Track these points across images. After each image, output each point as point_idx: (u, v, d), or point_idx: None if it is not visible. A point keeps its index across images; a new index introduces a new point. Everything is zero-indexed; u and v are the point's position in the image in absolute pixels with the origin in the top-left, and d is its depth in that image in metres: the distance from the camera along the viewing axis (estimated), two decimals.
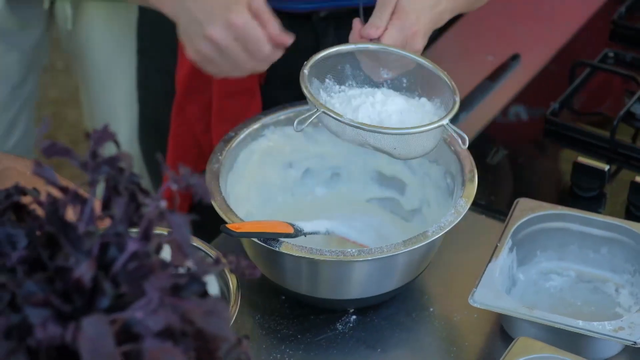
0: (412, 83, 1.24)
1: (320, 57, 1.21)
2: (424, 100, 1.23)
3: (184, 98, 1.50)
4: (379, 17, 1.22)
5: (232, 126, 1.40)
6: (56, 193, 0.72)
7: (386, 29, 1.22)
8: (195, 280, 0.70)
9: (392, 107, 1.20)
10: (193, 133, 1.51)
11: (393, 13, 1.22)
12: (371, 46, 1.22)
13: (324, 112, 1.15)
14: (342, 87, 1.24)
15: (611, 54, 1.62)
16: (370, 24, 1.22)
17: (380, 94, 1.21)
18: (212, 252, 1.15)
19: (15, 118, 1.82)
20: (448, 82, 1.21)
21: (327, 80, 1.23)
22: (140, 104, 1.69)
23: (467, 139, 1.17)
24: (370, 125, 1.15)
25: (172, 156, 1.53)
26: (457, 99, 1.19)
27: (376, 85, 1.24)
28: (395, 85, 1.24)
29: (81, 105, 2.00)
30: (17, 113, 1.82)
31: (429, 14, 1.24)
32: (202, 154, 1.49)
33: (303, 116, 1.17)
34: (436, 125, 1.16)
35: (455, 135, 1.17)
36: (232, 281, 1.11)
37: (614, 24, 1.70)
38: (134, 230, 0.72)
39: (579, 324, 1.13)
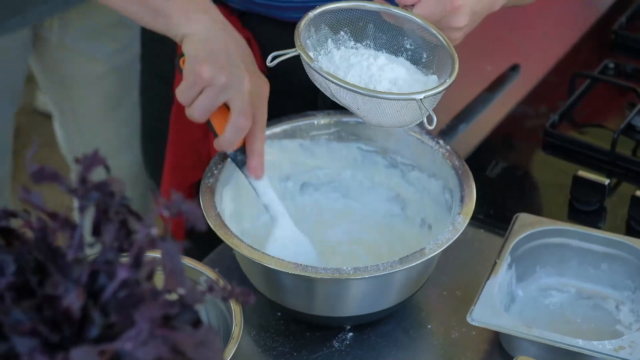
0: (430, 59, 1.18)
1: (333, 8, 1.17)
2: (433, 77, 1.17)
3: (182, 104, 1.48)
4: None
5: None
6: (45, 218, 0.71)
7: None
8: (187, 309, 0.69)
9: (388, 74, 1.14)
10: (191, 139, 1.49)
11: None
12: (396, 11, 1.16)
13: (300, 53, 1.12)
14: (358, 44, 1.19)
15: (611, 65, 1.60)
16: None
17: (383, 59, 1.16)
18: (209, 272, 1.13)
19: None
20: (452, 63, 1.14)
21: (342, 32, 1.18)
22: (142, 111, 1.68)
23: (434, 120, 1.09)
24: (331, 75, 1.10)
25: (170, 162, 1.52)
26: (448, 81, 1.12)
27: (394, 52, 1.18)
28: (414, 58, 1.18)
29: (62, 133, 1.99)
30: None
31: None
32: (200, 161, 1.48)
33: (279, 52, 1.14)
34: (400, 97, 1.09)
35: (424, 114, 1.10)
36: (235, 304, 1.09)
37: (614, 34, 1.68)
38: (125, 256, 0.70)
39: (579, 343, 1.12)
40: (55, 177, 0.68)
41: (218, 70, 1.20)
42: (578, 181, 1.38)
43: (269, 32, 1.40)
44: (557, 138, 1.49)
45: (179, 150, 1.50)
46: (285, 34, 1.25)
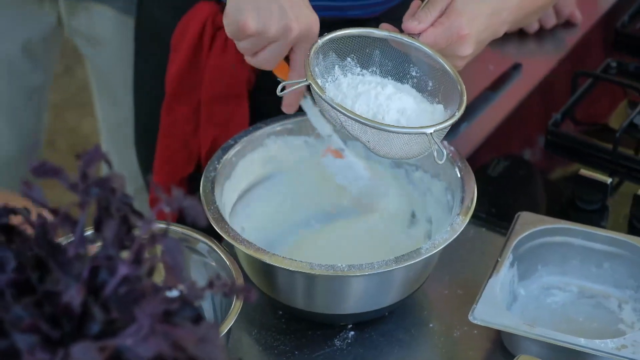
0: (435, 88, 1.18)
1: (341, 35, 1.16)
2: (439, 107, 1.17)
3: (173, 98, 1.49)
4: (425, 13, 1.16)
5: (220, 130, 1.39)
6: (46, 214, 0.70)
7: (432, 25, 1.15)
8: (187, 305, 0.68)
9: (396, 103, 1.14)
10: (182, 134, 1.49)
11: (443, 12, 1.16)
12: (403, 39, 1.16)
13: (310, 84, 1.12)
14: (364, 70, 1.19)
15: (613, 64, 1.60)
16: (414, 17, 1.16)
17: (391, 88, 1.16)
18: (213, 245, 1.15)
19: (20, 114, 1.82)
20: (459, 95, 1.15)
21: (348, 58, 1.18)
22: (135, 107, 1.68)
23: (444, 154, 1.10)
24: (343, 108, 1.10)
25: (160, 157, 1.52)
26: (457, 114, 1.14)
27: (400, 79, 1.18)
28: (419, 85, 1.19)
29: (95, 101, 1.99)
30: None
31: (486, 21, 1.18)
32: (190, 156, 1.48)
33: (289, 82, 1.15)
34: (410, 131, 1.10)
35: (434, 147, 1.10)
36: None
37: (616, 32, 1.68)
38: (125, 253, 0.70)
39: (582, 342, 1.11)
40: (56, 172, 0.68)
41: (263, 22, 1.15)
42: (580, 180, 1.38)
43: None
44: (560, 137, 1.49)
45: (169, 144, 1.51)
46: None
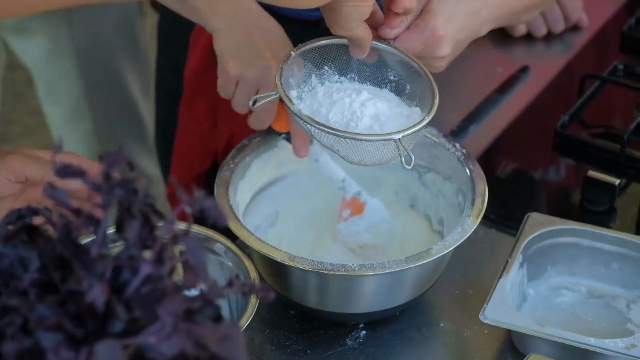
0: (413, 91, 1.18)
1: (313, 46, 1.16)
2: (416, 110, 1.16)
3: (191, 95, 1.50)
4: (399, 17, 1.15)
5: (237, 127, 1.40)
6: (69, 215, 0.72)
7: (407, 29, 1.15)
8: (208, 303, 0.70)
9: (370, 109, 1.13)
10: (200, 130, 1.51)
11: (419, 14, 1.16)
12: (378, 44, 1.15)
13: (280, 95, 1.12)
14: (342, 77, 1.18)
15: (621, 67, 1.61)
16: (388, 23, 1.15)
17: (365, 94, 1.15)
18: (230, 245, 1.16)
19: None
20: (431, 98, 1.13)
21: (325, 67, 1.18)
22: (156, 104, 1.70)
23: (412, 159, 1.09)
24: (309, 118, 1.10)
25: (178, 152, 1.53)
26: (427, 118, 1.11)
27: (379, 84, 1.18)
28: (398, 89, 1.18)
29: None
30: None
31: (464, 21, 1.18)
32: (207, 152, 1.49)
33: (260, 95, 1.16)
34: (377, 138, 1.09)
35: (402, 152, 1.09)
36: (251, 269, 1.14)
37: (623, 35, 1.69)
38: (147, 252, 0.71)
39: (591, 341, 1.13)
40: (79, 173, 0.69)
41: (244, 66, 1.20)
42: (588, 181, 1.39)
43: None
44: (568, 139, 1.50)
45: (187, 140, 1.52)
46: (290, 30, 1.27)
